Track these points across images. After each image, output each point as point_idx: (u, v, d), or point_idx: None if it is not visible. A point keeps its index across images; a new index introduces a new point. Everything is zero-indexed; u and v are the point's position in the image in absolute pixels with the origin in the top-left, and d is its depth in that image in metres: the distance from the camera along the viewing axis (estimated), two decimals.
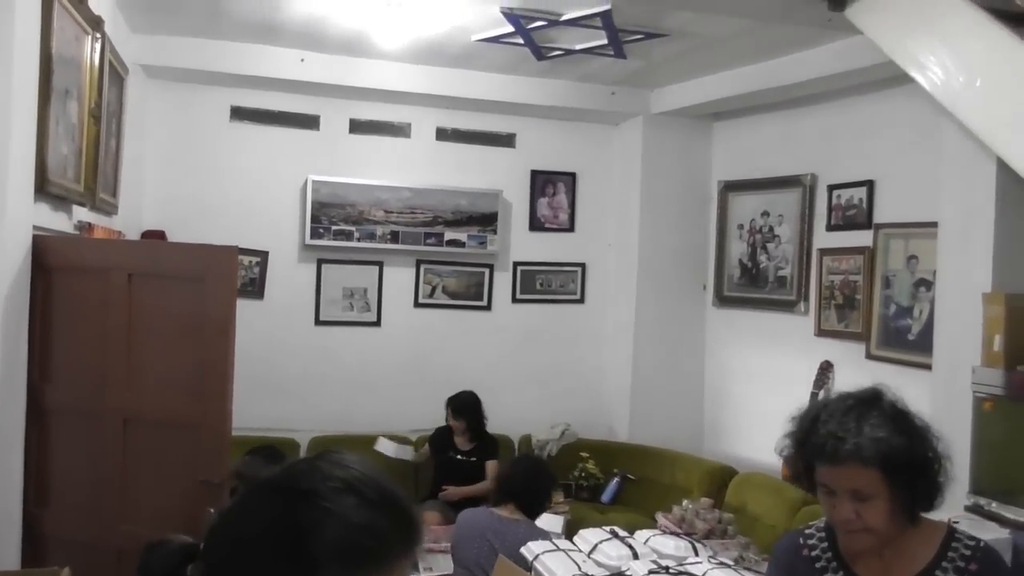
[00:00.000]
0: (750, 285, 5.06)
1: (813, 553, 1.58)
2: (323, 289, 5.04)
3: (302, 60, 4.56)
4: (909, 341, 3.97)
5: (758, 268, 5.01)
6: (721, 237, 5.25)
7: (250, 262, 4.83)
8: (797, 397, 4.35)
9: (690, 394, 5.30)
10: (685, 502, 3.86)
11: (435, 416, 4.71)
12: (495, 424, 4.69)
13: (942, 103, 2.63)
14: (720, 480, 4.47)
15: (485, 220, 5.22)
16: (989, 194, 3.17)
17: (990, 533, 2.73)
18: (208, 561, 0.84)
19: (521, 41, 4.10)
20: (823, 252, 4.55)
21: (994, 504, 2.94)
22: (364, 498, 0.80)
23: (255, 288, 4.84)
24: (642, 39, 4.06)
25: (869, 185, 4.28)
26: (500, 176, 5.31)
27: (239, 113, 4.88)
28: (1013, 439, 3.02)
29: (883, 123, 4.20)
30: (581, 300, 5.52)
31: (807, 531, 1.62)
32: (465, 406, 4.51)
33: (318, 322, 5.04)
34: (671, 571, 1.64)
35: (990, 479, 3.03)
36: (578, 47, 4.22)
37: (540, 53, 4.30)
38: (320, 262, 5.03)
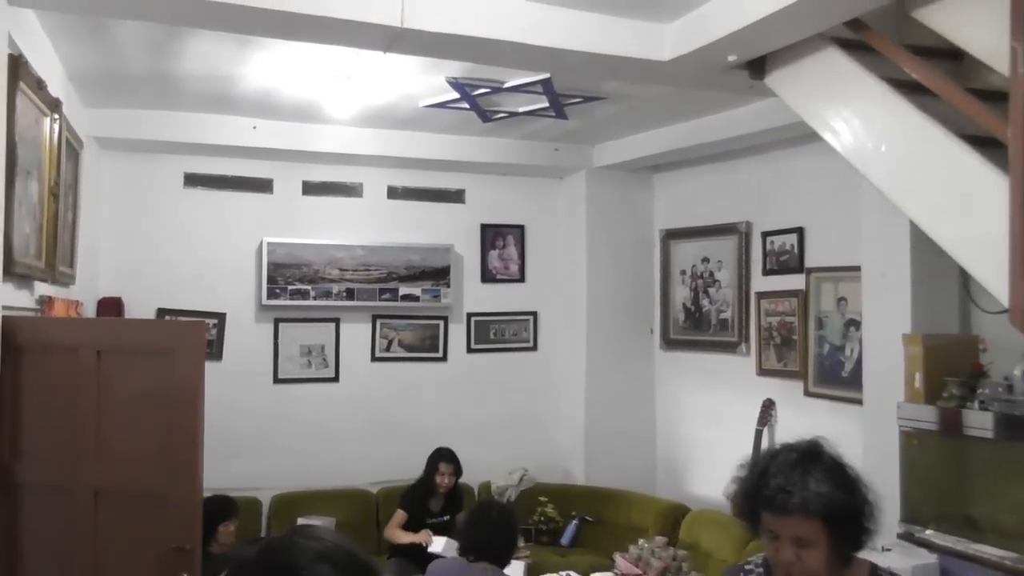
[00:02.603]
0: (694, 328, 5.30)
1: None
2: (281, 348, 5.12)
3: (254, 127, 4.70)
4: (842, 378, 4.23)
5: (701, 312, 5.26)
6: (665, 283, 5.51)
7: (208, 324, 4.89)
8: (743, 434, 4.60)
9: (642, 435, 5.49)
10: (641, 541, 4.02)
11: (396, 467, 4.81)
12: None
13: (853, 165, 2.90)
14: (673, 518, 4.65)
15: (438, 274, 5.38)
16: (905, 242, 3.47)
17: (920, 559, 2.96)
18: None
19: (467, 106, 4.32)
20: (760, 295, 4.82)
21: (924, 531, 3.17)
22: (337, 565, 0.95)
23: (213, 350, 4.89)
24: (581, 102, 4.31)
25: (799, 232, 4.58)
26: (451, 231, 5.49)
27: (193, 179, 4.98)
28: (939, 470, 3.26)
29: (810, 174, 4.51)
30: (534, 347, 5.69)
31: (747, 565, 1.79)
32: (453, 455, 4.53)
33: (276, 380, 5.11)
34: None
35: (919, 507, 3.27)
36: (521, 110, 4.46)
37: (485, 116, 4.52)
38: (277, 321, 5.11)
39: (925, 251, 3.31)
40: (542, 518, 4.98)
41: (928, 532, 3.16)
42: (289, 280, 5.04)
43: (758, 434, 4.61)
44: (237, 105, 4.43)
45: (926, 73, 2.57)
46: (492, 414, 5.50)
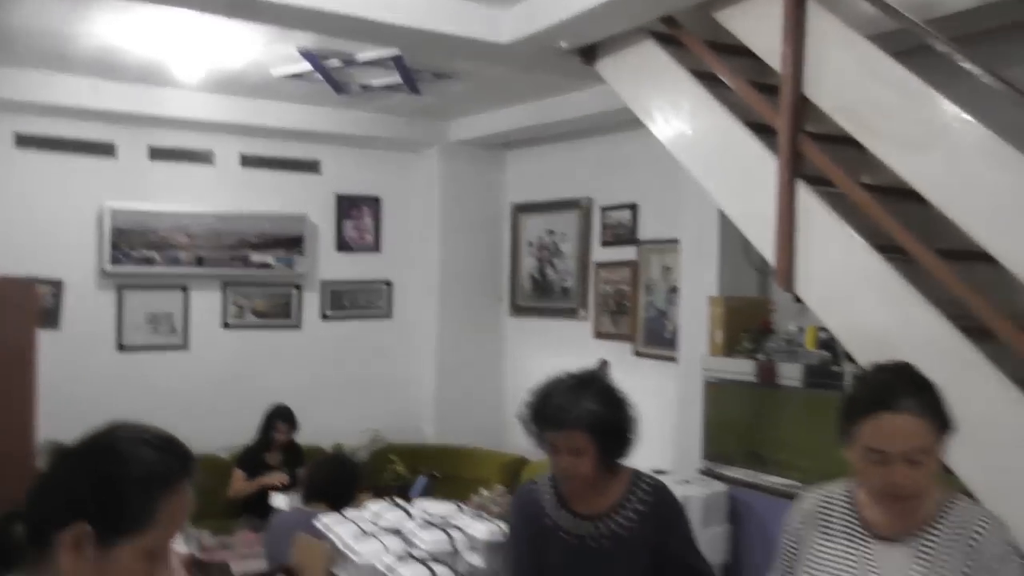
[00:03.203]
0: (540, 296, 5.65)
1: (542, 496, 2.06)
2: (125, 315, 5.03)
3: (94, 88, 4.56)
4: (665, 339, 4.68)
5: (546, 280, 5.61)
6: (514, 254, 5.82)
7: (43, 290, 4.73)
8: None
9: (491, 395, 5.80)
10: (482, 490, 4.32)
11: (250, 434, 4.87)
12: (309, 436, 4.91)
13: (667, 147, 3.26)
14: (514, 469, 5.00)
15: (291, 243, 5.43)
16: (714, 217, 3.90)
17: (712, 488, 3.42)
18: (31, 520, 1.10)
19: (320, 77, 4.40)
20: (599, 266, 5.21)
21: (721, 467, 3.65)
22: (156, 447, 1.14)
23: (50, 318, 4.74)
24: (432, 79, 4.49)
25: (633, 208, 4.99)
26: (306, 200, 5.54)
27: (26, 140, 4.77)
28: (734, 415, 3.74)
29: (642, 154, 4.87)
30: (389, 315, 5.87)
31: (538, 481, 2.10)
32: (291, 413, 4.67)
33: (121, 348, 5.02)
34: (438, 524, 2.05)
35: (718, 447, 3.74)
36: (375, 83, 4.59)
37: (339, 88, 4.62)
38: (121, 288, 5.01)
39: (730, 224, 3.73)
40: (392, 475, 5.19)
41: (724, 467, 3.64)
42: (134, 247, 4.95)
43: None
44: (75, 63, 4.29)
45: (720, 67, 2.95)
46: (346, 380, 5.64)
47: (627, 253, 5.01)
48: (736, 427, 3.72)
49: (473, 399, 5.72)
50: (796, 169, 2.64)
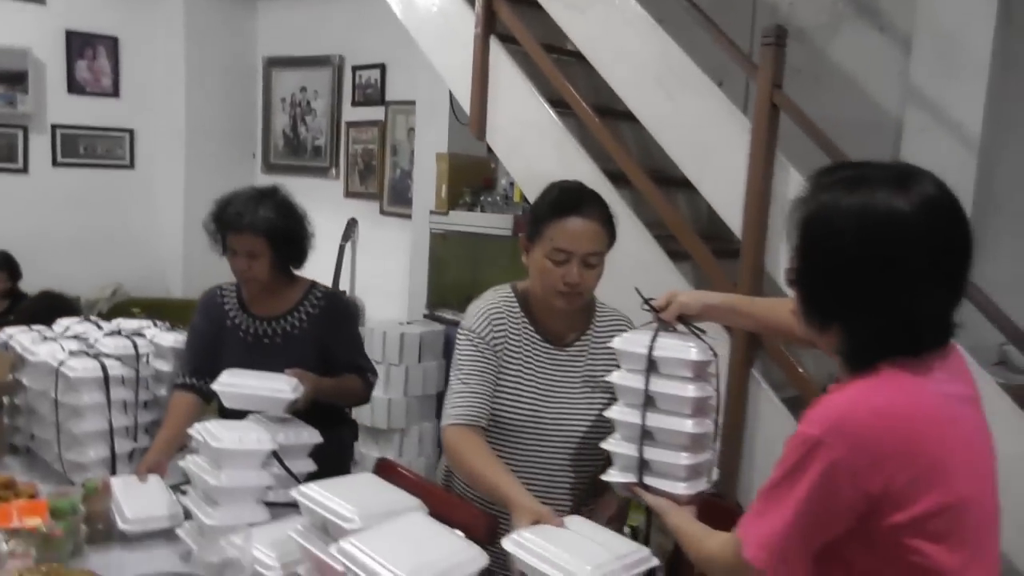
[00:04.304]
0: (292, 154, 5.67)
1: (225, 299, 2.27)
2: None
3: None
4: (408, 198, 4.93)
5: (299, 138, 5.62)
6: (267, 110, 5.74)
7: None
8: (329, 250, 5.15)
9: None
10: None
11: None
12: (43, 287, 4.70)
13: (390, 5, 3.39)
14: None
15: (13, 79, 4.99)
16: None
17: (430, 327, 3.81)
18: None
19: None
20: (350, 125, 5.31)
21: (441, 310, 4.04)
22: None
23: None
24: None
25: (382, 68, 5.09)
26: (28, 34, 5.07)
27: None
28: (453, 265, 4.11)
29: (392, 14, 4.96)
30: (131, 166, 5.62)
31: (224, 285, 2.30)
32: (10, 260, 4.44)
33: None
34: (126, 334, 2.22)
35: (439, 294, 4.12)
36: None
37: None
38: None
39: None
40: None
41: (444, 311, 4.03)
42: None
43: (341, 249, 5.21)
44: None
45: None
46: (84, 231, 5.39)
47: (376, 113, 5.14)
48: (455, 274, 4.10)
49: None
50: (490, 27, 2.90)
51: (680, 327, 1.54)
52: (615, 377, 1.54)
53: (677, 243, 2.57)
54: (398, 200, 5.03)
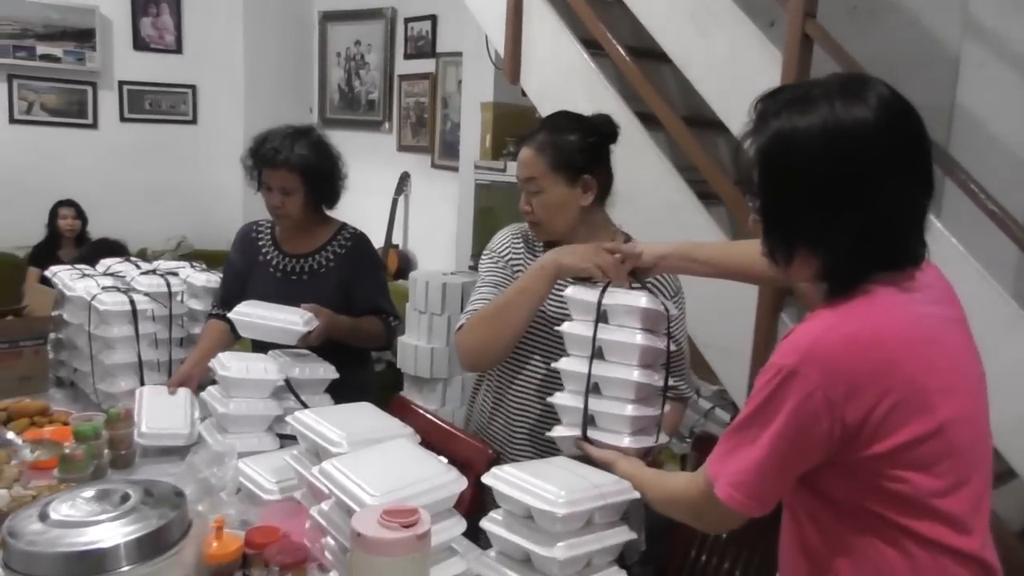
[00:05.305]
0: (347, 108, 5.72)
1: (260, 235, 2.33)
2: None
3: None
4: (459, 151, 4.93)
5: (353, 92, 5.66)
6: (323, 64, 5.79)
7: None
8: (383, 204, 5.22)
9: None
10: None
11: (38, 232, 4.82)
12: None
13: None
14: None
15: (81, 36, 5.17)
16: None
17: (471, 279, 3.82)
18: None
19: None
20: (402, 78, 5.31)
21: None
22: None
23: None
24: None
25: (433, 19, 5.06)
26: None
27: None
28: (498, 214, 4.10)
29: None
30: (194, 121, 5.78)
31: (260, 221, 2.35)
32: (74, 202, 4.66)
33: None
34: (160, 273, 2.32)
35: (484, 244, 4.10)
36: None
37: None
38: None
39: None
40: None
41: None
42: None
43: (394, 203, 5.27)
44: None
45: None
46: (150, 185, 5.59)
47: (427, 66, 5.12)
48: (498, 224, 4.05)
49: None
50: None
51: (635, 284, 1.52)
52: (565, 327, 1.52)
53: (710, 186, 2.49)
54: (449, 153, 5.03)
